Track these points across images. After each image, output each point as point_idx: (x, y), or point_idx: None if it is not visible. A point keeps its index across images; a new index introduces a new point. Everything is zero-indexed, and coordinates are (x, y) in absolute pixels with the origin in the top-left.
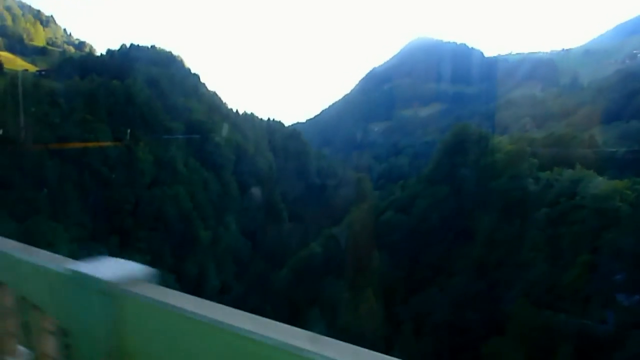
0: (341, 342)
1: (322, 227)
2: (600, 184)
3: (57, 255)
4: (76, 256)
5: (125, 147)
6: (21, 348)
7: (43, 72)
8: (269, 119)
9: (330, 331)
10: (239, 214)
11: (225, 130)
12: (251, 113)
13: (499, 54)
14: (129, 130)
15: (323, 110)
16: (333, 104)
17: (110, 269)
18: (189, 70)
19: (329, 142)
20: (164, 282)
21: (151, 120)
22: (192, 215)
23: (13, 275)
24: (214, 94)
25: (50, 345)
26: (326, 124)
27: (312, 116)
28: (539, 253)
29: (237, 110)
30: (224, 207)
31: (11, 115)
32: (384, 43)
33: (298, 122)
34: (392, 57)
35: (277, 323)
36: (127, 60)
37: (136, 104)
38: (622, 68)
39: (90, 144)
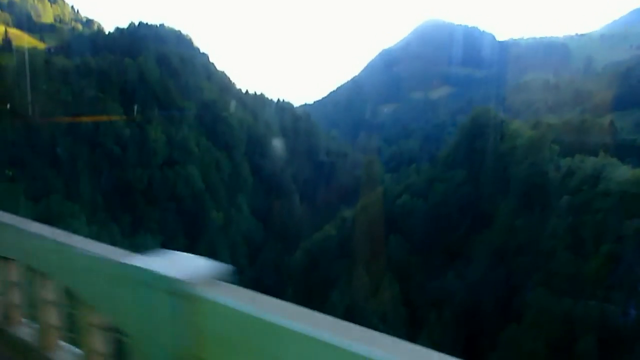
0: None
1: (333, 208)
2: (624, 172)
3: (111, 247)
4: (96, 238)
5: (137, 126)
6: (65, 344)
7: (52, 50)
8: (278, 99)
9: (350, 317)
10: (250, 195)
11: (232, 106)
12: (261, 93)
13: (511, 38)
14: (141, 109)
15: (331, 92)
16: (341, 85)
17: (177, 265)
18: (198, 49)
19: (337, 124)
20: (235, 281)
21: (163, 99)
22: (204, 196)
23: (59, 266)
24: (223, 73)
25: (99, 343)
26: (334, 106)
27: (319, 98)
28: (560, 241)
29: (247, 91)
30: (235, 188)
31: (23, 93)
32: (394, 24)
33: (305, 104)
34: (403, 39)
35: (362, 329)
36: (136, 38)
37: (148, 83)
38: (638, 54)
39: (102, 122)
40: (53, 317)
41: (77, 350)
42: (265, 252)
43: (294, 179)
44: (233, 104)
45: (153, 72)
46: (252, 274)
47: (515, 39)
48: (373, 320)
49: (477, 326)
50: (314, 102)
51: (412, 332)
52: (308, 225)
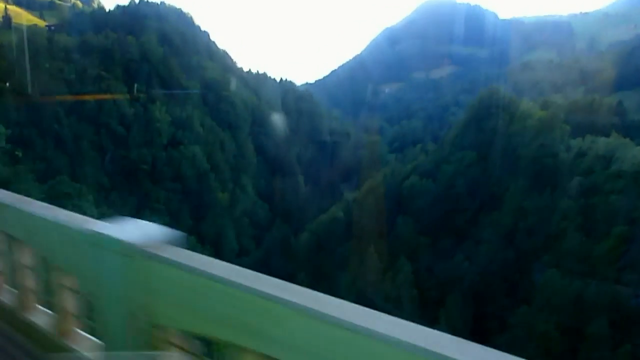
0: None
1: (336, 189)
2: (638, 153)
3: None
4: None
5: (141, 106)
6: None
7: (52, 27)
8: (281, 78)
9: (362, 300)
10: (255, 175)
11: (233, 85)
12: (264, 72)
13: (514, 17)
14: (145, 88)
15: (332, 71)
16: (342, 65)
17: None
18: (199, 27)
19: (338, 104)
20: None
21: (167, 78)
22: (209, 176)
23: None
24: (225, 52)
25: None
26: (335, 85)
27: (320, 77)
28: (571, 223)
29: (249, 70)
30: (239, 168)
31: (25, 71)
32: (397, 2)
33: (307, 83)
34: (406, 17)
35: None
36: (137, 16)
37: (152, 61)
38: None
39: (106, 101)
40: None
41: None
42: (272, 233)
43: (298, 159)
44: (234, 83)
45: (156, 51)
46: (258, 256)
47: (518, 18)
48: (386, 303)
49: (486, 308)
50: (315, 81)
51: (423, 313)
52: (313, 206)
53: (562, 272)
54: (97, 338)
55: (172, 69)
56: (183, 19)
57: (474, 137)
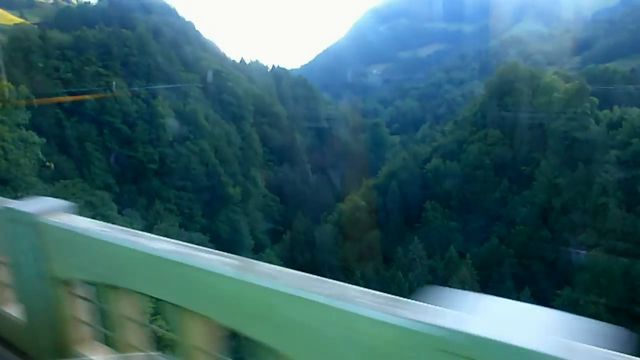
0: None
1: (344, 175)
2: None
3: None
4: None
5: (143, 102)
6: None
7: (36, 25)
8: (273, 65)
9: (395, 289)
10: (263, 167)
11: (209, 76)
12: (256, 60)
13: None
14: (145, 83)
15: (318, 55)
16: (327, 48)
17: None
18: (184, 18)
19: (327, 87)
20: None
21: (167, 72)
22: (219, 171)
23: None
24: (212, 42)
25: None
26: (322, 69)
27: (306, 62)
28: (611, 198)
29: (242, 59)
30: (247, 161)
31: (19, 72)
32: None
33: (293, 69)
34: None
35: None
36: (125, 9)
37: (150, 55)
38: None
39: (107, 99)
40: None
41: None
42: (290, 225)
43: (301, 147)
44: (210, 74)
45: (153, 44)
46: (280, 252)
47: None
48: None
49: (527, 290)
50: (301, 66)
51: None
52: (324, 195)
53: (604, 249)
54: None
55: (172, 62)
56: (167, 11)
57: (496, 114)
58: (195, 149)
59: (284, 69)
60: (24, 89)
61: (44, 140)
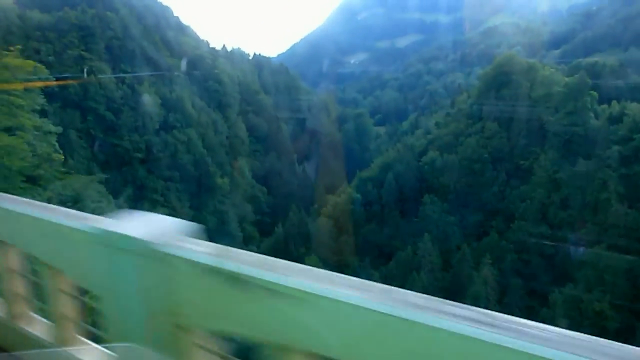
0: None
1: (330, 166)
2: None
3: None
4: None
5: (128, 88)
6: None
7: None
8: (254, 53)
9: (391, 284)
10: (249, 157)
11: (183, 64)
12: (238, 48)
13: None
14: (130, 69)
15: (294, 44)
16: (304, 37)
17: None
18: (160, 3)
19: (304, 77)
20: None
21: (152, 57)
22: (206, 161)
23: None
24: (191, 28)
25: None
26: (299, 58)
27: (282, 51)
28: (612, 194)
29: (224, 46)
30: (234, 150)
31: None
32: None
33: (269, 58)
34: None
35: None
36: None
37: (135, 39)
38: None
39: (90, 84)
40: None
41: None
42: (287, 219)
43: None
44: (184, 62)
45: (137, 27)
46: (273, 245)
47: None
48: (419, 288)
49: (527, 286)
50: (278, 55)
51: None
52: (312, 186)
53: (606, 245)
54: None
55: (157, 47)
56: None
57: (492, 106)
58: (183, 137)
59: (265, 57)
60: (42, 68)
61: (60, 129)
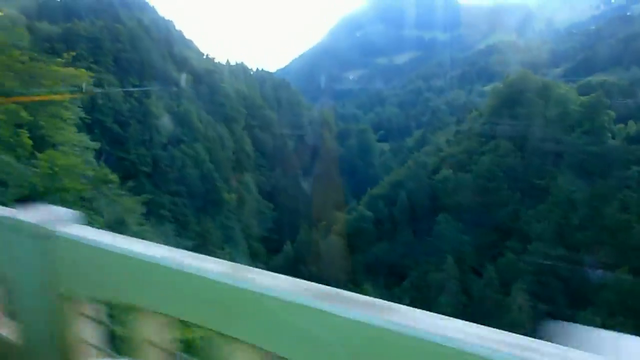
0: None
1: (335, 182)
2: None
3: None
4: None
5: (136, 101)
6: None
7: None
8: (257, 68)
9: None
10: (255, 172)
11: (183, 80)
12: (242, 62)
13: (472, 1)
14: (138, 82)
15: (293, 60)
16: (303, 53)
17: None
18: (163, 17)
19: (303, 92)
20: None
21: (160, 70)
22: (214, 176)
23: None
24: (194, 43)
25: None
26: (297, 74)
27: (281, 66)
28: (633, 215)
29: (227, 60)
30: (240, 166)
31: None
32: None
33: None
34: (365, 3)
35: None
36: (110, 3)
37: (142, 51)
38: (599, 14)
39: (98, 97)
40: None
41: None
42: (300, 237)
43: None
44: (184, 77)
45: (146, 40)
46: (282, 263)
47: (476, 2)
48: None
49: (545, 310)
50: (276, 70)
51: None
52: (319, 203)
53: (629, 268)
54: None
55: (164, 59)
56: (145, 8)
57: (506, 124)
58: (190, 152)
59: (267, 71)
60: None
61: (98, 144)
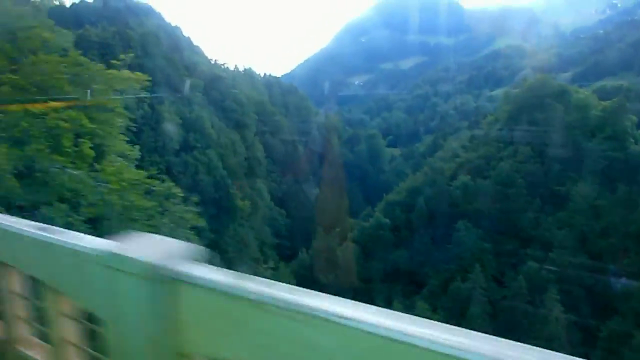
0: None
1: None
2: None
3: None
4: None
5: (149, 107)
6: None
7: None
8: (264, 73)
9: (426, 316)
10: (267, 178)
11: (187, 86)
12: (250, 68)
13: (477, 5)
14: (151, 88)
15: (298, 65)
16: (308, 58)
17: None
18: (170, 23)
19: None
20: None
21: (171, 76)
22: (227, 183)
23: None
24: (201, 49)
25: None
26: (303, 79)
27: (287, 72)
28: None
29: (236, 66)
30: (253, 172)
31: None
32: None
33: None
34: (369, 9)
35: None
36: (119, 10)
37: (154, 57)
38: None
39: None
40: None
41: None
42: (317, 243)
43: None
44: (194, 83)
45: (157, 46)
46: (297, 270)
47: (481, 6)
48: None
49: (571, 318)
50: (282, 75)
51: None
52: (331, 209)
53: None
54: None
55: (175, 66)
56: (152, 14)
57: (525, 130)
58: (203, 158)
59: (275, 77)
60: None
61: (139, 154)
